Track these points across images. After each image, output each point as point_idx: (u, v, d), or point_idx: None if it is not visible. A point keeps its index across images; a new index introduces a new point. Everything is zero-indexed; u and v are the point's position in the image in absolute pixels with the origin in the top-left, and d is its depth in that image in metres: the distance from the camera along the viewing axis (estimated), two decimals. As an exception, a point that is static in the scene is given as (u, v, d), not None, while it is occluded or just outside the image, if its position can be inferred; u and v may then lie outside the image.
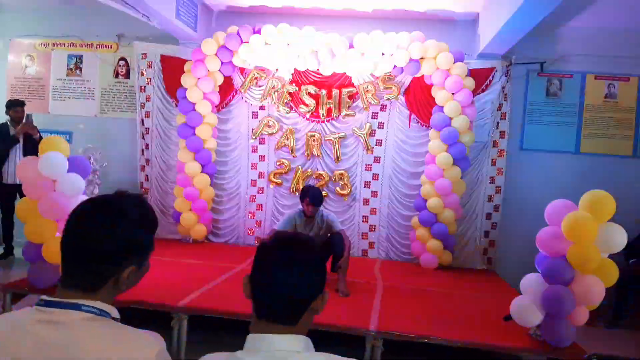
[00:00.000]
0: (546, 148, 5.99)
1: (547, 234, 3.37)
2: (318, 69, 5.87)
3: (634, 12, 5.37)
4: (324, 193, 6.12)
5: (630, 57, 5.83)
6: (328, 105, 6.09)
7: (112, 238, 1.16)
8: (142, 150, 6.40)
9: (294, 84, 6.14)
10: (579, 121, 5.97)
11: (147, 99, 6.36)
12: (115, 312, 1.20)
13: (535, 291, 3.30)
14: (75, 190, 3.80)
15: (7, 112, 5.70)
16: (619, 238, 3.20)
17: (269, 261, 1.19)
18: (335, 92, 6.06)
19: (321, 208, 4.75)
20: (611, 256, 3.29)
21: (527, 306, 3.34)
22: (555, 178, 5.86)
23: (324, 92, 6.07)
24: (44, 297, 1.17)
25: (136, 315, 3.49)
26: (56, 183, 3.78)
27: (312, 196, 4.55)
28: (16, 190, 5.55)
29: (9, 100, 5.81)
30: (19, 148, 5.62)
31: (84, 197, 3.65)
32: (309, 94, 6.10)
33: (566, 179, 5.77)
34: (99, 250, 1.15)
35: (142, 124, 6.37)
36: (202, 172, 6.00)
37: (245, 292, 1.21)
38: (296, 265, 1.17)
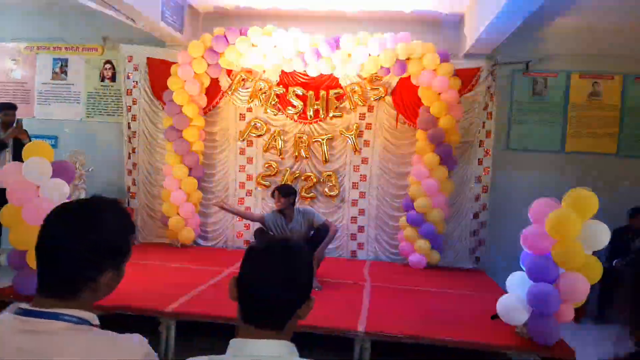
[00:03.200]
0: (532, 147, 6.04)
1: (531, 232, 3.39)
2: (305, 70, 5.88)
3: (617, 12, 5.42)
4: (311, 194, 6.14)
5: (614, 55, 5.90)
6: (315, 107, 6.09)
7: (89, 242, 1.14)
8: (129, 154, 6.35)
9: (281, 86, 6.13)
10: (564, 120, 6.02)
11: (134, 102, 6.32)
12: (95, 320, 1.18)
13: (521, 289, 3.33)
14: (60, 196, 3.76)
15: None
16: (603, 235, 3.24)
17: (258, 265, 1.19)
18: (322, 93, 6.07)
19: (298, 205, 4.80)
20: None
21: (513, 304, 3.37)
22: (541, 177, 5.90)
23: (311, 93, 6.07)
24: (22, 305, 1.15)
25: (123, 321, 3.47)
26: (40, 188, 3.75)
27: (279, 187, 4.80)
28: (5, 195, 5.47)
29: (0, 104, 5.75)
30: (8, 153, 5.55)
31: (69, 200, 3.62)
32: (297, 96, 6.10)
33: (552, 177, 5.82)
34: (76, 255, 1.13)
35: (129, 127, 6.33)
36: (189, 175, 5.98)
37: (231, 294, 1.20)
38: (286, 270, 1.17)
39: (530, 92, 6.06)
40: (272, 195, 4.78)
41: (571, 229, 3.19)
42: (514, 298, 3.37)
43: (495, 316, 3.54)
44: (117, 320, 3.38)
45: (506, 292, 3.57)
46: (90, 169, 5.82)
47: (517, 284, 3.37)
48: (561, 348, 3.28)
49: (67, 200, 3.74)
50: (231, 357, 1.14)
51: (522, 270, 3.46)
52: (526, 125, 6.06)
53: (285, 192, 4.68)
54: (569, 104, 6.02)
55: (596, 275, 3.28)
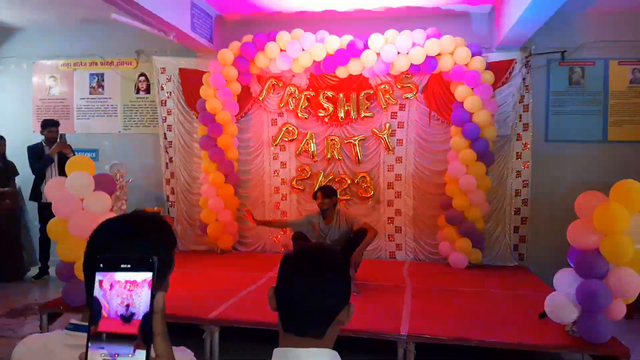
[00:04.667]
0: (572, 138, 5.84)
1: (578, 227, 3.29)
2: (334, 72, 5.86)
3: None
4: (346, 196, 6.13)
5: (653, 39, 5.66)
6: (346, 108, 6.07)
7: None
8: (167, 164, 6.48)
9: (311, 89, 6.14)
10: (604, 109, 5.81)
11: (169, 113, 6.45)
12: None
13: (569, 286, 3.22)
14: (103, 207, 3.87)
15: (42, 132, 5.89)
16: (653, 228, 3.10)
17: (294, 274, 1.19)
18: (352, 94, 6.05)
19: (339, 207, 4.78)
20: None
21: (561, 302, 3.26)
22: (584, 168, 5.72)
23: (341, 95, 6.06)
24: (72, 320, 1.18)
25: (168, 330, 3.54)
26: (84, 201, 3.86)
27: (321, 188, 4.81)
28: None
29: (44, 120, 5.99)
30: (54, 167, 5.77)
31: (112, 214, 3.72)
32: (327, 98, 6.09)
33: (595, 168, 5.63)
34: None
35: (165, 137, 6.46)
36: (225, 182, 6.05)
37: (271, 304, 1.21)
38: (321, 277, 1.17)
39: (567, 82, 5.88)
40: (314, 197, 4.77)
41: (619, 222, 3.07)
42: (563, 296, 3.26)
43: (543, 315, 3.44)
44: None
45: (552, 289, 3.46)
46: (130, 180, 5.97)
47: (566, 281, 3.26)
48: (614, 346, 3.16)
49: (110, 214, 3.85)
50: None
51: (568, 266, 3.36)
52: (565, 116, 5.88)
53: (329, 193, 4.70)
54: (608, 93, 5.82)
55: (648, 270, 3.15)
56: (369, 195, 6.13)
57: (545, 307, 3.36)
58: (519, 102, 5.73)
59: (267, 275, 4.98)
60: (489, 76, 5.45)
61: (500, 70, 5.63)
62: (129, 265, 0.80)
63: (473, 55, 5.43)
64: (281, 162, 6.37)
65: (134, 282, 0.79)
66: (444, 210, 5.67)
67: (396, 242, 6.13)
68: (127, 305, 0.78)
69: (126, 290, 0.79)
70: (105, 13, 5.18)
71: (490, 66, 5.53)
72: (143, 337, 0.77)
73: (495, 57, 5.68)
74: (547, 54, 5.78)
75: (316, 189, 5.82)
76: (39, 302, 4.64)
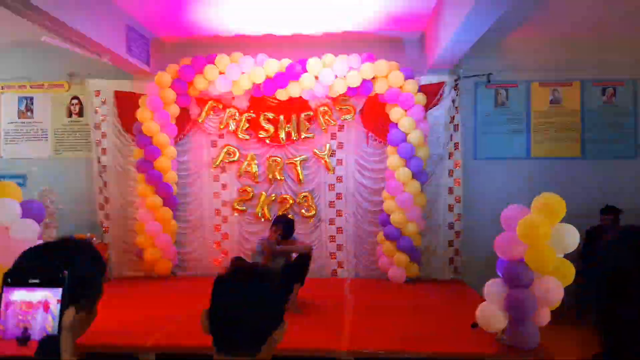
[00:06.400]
0: (499, 155, 6.19)
1: (504, 239, 3.47)
2: (274, 95, 5.93)
3: (569, 22, 5.64)
4: (289, 216, 6.13)
5: (570, 62, 6.12)
6: (287, 129, 6.14)
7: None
8: (100, 189, 6.26)
9: (251, 111, 6.18)
10: (527, 127, 6.20)
11: (103, 136, 6.26)
12: None
13: (498, 296, 3.38)
14: (30, 235, 3.69)
15: None
16: (572, 237, 3.32)
17: (227, 293, 1.20)
18: (293, 116, 6.13)
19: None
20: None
21: (491, 312, 3.41)
22: (510, 184, 6.03)
23: (282, 116, 6.13)
24: None
25: (104, 357, 3.40)
26: (10, 229, 3.67)
27: (287, 223, 4.69)
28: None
29: None
30: None
31: (40, 242, 3.56)
32: (268, 120, 6.14)
33: (520, 183, 5.95)
34: None
35: (99, 161, 6.25)
36: (163, 205, 5.92)
37: (204, 327, 1.21)
38: (255, 295, 1.18)
39: (493, 103, 6.24)
40: (274, 223, 4.69)
41: (541, 233, 3.27)
42: (492, 305, 3.42)
43: (475, 325, 3.58)
44: (97, 357, 3.32)
45: (484, 300, 3.61)
46: (60, 207, 5.72)
47: (495, 291, 3.42)
48: (541, 352, 3.33)
49: (37, 242, 3.68)
50: None
51: (499, 277, 3.52)
52: (492, 135, 6.22)
53: (290, 232, 4.65)
54: (531, 112, 6.22)
55: (568, 278, 3.35)
56: (311, 215, 6.18)
57: (476, 317, 3.50)
58: (450, 123, 6.01)
59: (205, 300, 4.87)
60: (421, 98, 5.69)
61: (432, 93, 5.91)
62: (37, 280, 0.77)
63: (406, 78, 5.67)
64: (222, 184, 6.32)
65: (29, 304, 0.76)
66: (382, 227, 5.81)
67: (338, 260, 6.20)
68: (25, 328, 0.76)
69: (21, 311, 0.76)
70: (36, 35, 5.03)
71: (422, 89, 5.79)
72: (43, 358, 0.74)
73: (427, 80, 5.96)
74: (474, 77, 6.12)
75: (266, 212, 5.93)
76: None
